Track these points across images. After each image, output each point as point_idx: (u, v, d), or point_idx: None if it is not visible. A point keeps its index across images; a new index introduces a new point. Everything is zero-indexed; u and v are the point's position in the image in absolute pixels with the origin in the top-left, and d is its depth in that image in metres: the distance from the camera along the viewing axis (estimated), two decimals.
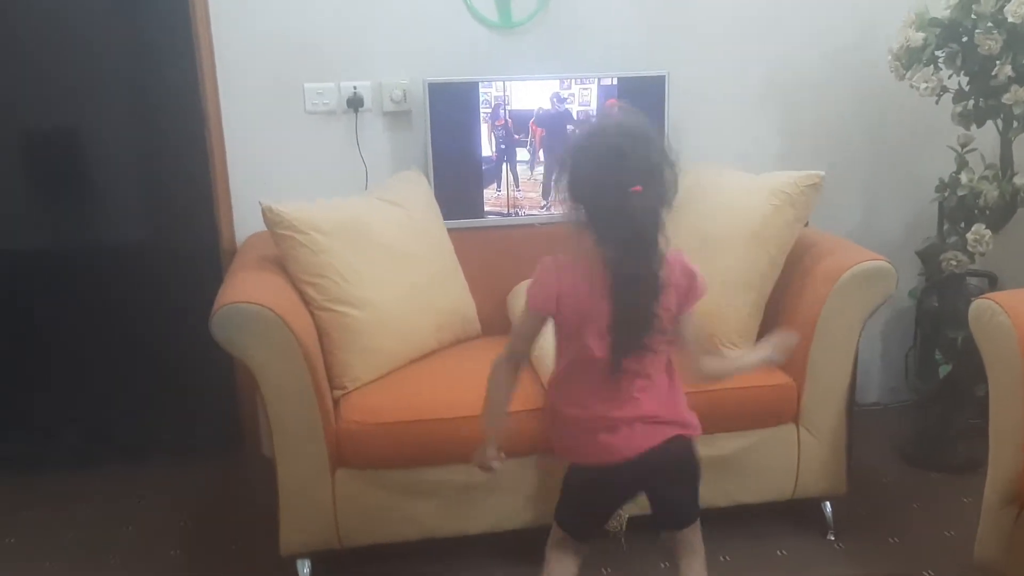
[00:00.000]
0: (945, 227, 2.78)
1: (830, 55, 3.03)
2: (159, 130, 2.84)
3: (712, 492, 2.37)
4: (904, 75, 2.63)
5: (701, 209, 2.58)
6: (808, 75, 3.04)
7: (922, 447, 2.87)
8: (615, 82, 2.80)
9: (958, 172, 2.73)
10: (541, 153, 2.83)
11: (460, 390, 2.30)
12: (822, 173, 2.44)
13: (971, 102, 2.65)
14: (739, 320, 2.47)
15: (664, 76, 2.83)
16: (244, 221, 2.83)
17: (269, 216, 2.31)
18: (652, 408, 1.78)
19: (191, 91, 2.76)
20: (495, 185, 2.84)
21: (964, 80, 2.64)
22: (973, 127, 2.70)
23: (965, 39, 2.56)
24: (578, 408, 1.80)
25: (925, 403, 2.89)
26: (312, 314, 2.30)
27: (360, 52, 2.80)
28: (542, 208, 2.88)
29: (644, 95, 2.83)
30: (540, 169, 2.85)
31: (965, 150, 2.73)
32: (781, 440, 2.41)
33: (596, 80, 2.79)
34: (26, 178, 2.88)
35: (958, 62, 2.56)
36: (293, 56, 2.77)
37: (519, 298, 2.75)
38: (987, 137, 2.76)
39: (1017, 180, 2.59)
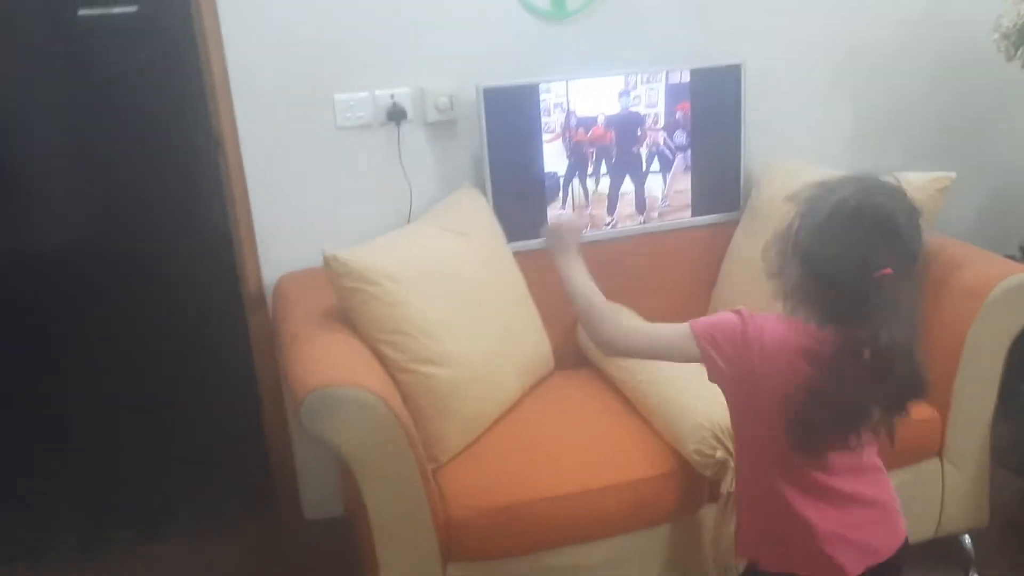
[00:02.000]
0: None
1: (904, 33, 2.75)
2: (164, 160, 2.42)
3: None
4: (1014, 55, 2.37)
5: None
6: (882, 56, 2.76)
7: None
8: (686, 77, 2.47)
9: None
10: (604, 164, 2.50)
11: (569, 455, 2.00)
12: (952, 175, 2.18)
13: None
14: None
15: (740, 65, 2.51)
16: (272, 259, 2.43)
17: (334, 266, 1.94)
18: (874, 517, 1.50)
19: (199, 113, 2.34)
20: (558, 203, 2.49)
21: None
22: None
23: None
24: (784, 508, 1.48)
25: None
26: (392, 377, 1.95)
27: (394, 55, 2.40)
28: (607, 226, 2.55)
29: (718, 88, 2.52)
30: (606, 182, 2.51)
31: None
32: (924, 477, 2.16)
33: (664, 76, 2.46)
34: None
35: None
36: (319, 64, 2.36)
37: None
38: None
39: None
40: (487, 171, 2.40)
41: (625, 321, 1.56)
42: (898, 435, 1.94)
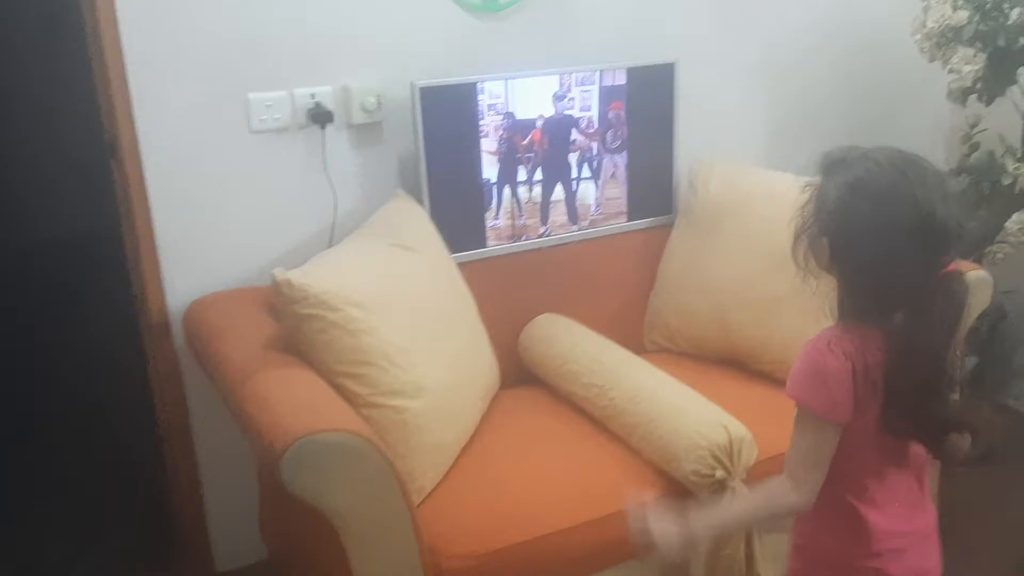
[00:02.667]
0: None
1: (817, 31, 2.78)
2: (46, 176, 2.06)
3: None
4: (938, 56, 2.42)
5: (766, 223, 2.25)
6: (796, 55, 2.77)
7: None
8: (620, 78, 2.36)
9: (969, 154, 2.60)
10: (538, 171, 2.35)
11: (552, 486, 1.84)
12: None
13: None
14: None
15: (674, 64, 2.44)
16: (178, 282, 2.13)
17: (287, 292, 1.71)
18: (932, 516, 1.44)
19: (88, 114, 2.01)
20: (493, 212, 2.33)
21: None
22: (973, 104, 2.55)
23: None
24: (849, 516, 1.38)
25: None
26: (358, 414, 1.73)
27: (314, 50, 2.16)
28: (542, 236, 2.41)
29: (651, 88, 2.43)
30: (538, 189, 2.37)
31: (975, 131, 2.59)
32: None
33: (598, 77, 2.35)
34: None
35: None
36: (231, 59, 2.08)
37: (534, 338, 2.30)
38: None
39: None
40: (424, 177, 2.21)
41: (785, 482, 1.36)
42: None
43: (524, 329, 2.35)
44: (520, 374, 2.32)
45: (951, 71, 2.39)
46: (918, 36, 2.44)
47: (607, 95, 2.37)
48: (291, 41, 2.13)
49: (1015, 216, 2.46)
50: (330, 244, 2.23)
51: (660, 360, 2.29)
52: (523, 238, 2.37)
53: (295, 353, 1.78)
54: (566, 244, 2.44)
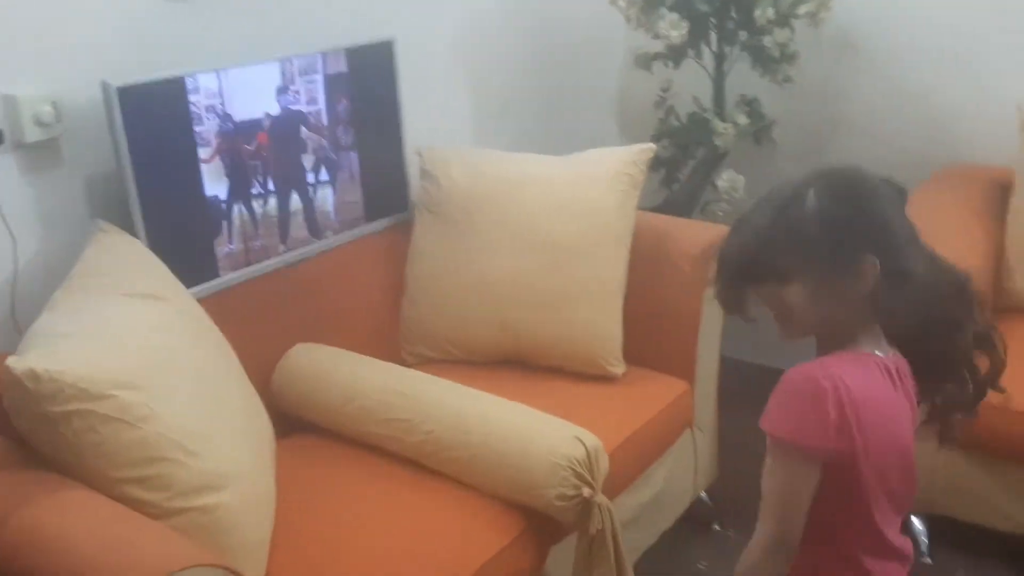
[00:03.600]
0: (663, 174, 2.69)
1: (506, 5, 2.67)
2: None
3: (648, 533, 2.05)
4: (643, 23, 2.42)
5: (534, 211, 2.09)
6: (492, 31, 2.64)
7: None
8: (343, 65, 2.06)
9: (665, 118, 2.66)
10: (269, 180, 1.97)
11: (403, 558, 1.55)
12: (653, 145, 2.16)
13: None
14: (613, 335, 2.08)
15: (392, 42, 2.18)
16: None
17: (34, 388, 1.23)
18: None
19: None
20: (225, 235, 1.91)
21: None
22: (657, 68, 2.60)
23: None
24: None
25: None
26: None
27: None
28: (282, 255, 2.04)
29: (373, 71, 2.16)
30: (274, 201, 1.99)
31: (667, 93, 2.66)
32: (684, 449, 2.14)
33: (321, 64, 2.01)
34: None
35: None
36: None
37: (292, 377, 1.94)
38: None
39: (741, 120, 2.59)
40: (135, 202, 1.73)
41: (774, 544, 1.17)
42: (667, 415, 2.07)
43: (276, 368, 1.97)
44: (281, 421, 1.94)
45: (657, 36, 2.41)
46: (622, 3, 2.42)
47: (332, 84, 2.05)
48: None
49: (724, 175, 2.57)
50: (13, 304, 1.69)
51: (436, 372, 2.04)
52: (263, 260, 1.98)
53: (48, 466, 1.29)
54: (307, 260, 2.09)
